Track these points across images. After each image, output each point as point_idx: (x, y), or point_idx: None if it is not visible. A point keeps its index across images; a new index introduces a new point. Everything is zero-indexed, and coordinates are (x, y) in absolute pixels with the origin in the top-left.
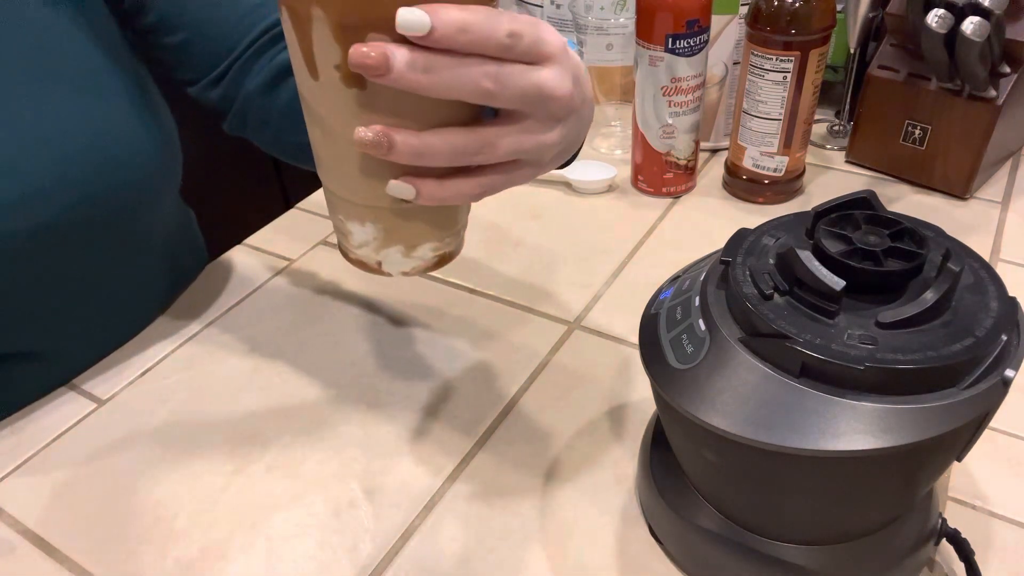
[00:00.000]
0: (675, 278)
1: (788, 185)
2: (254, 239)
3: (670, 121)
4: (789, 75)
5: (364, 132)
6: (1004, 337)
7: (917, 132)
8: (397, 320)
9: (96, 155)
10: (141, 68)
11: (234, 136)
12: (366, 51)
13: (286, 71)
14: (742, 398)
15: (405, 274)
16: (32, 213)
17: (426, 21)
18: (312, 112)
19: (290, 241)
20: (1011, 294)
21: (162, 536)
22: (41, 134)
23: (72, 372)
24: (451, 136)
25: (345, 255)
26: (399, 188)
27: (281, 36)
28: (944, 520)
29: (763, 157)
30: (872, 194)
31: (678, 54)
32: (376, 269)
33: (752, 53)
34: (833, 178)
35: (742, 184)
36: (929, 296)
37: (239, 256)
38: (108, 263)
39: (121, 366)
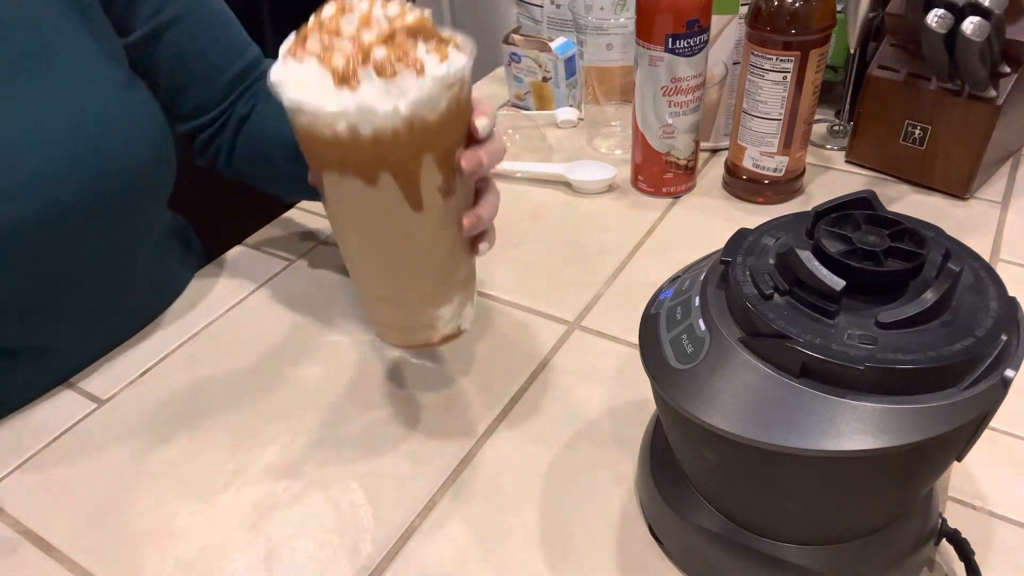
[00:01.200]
0: (675, 278)
1: (788, 185)
2: (254, 239)
3: (670, 121)
4: (789, 75)
5: (469, 219)
6: (1004, 337)
7: (917, 132)
8: None
9: (97, 142)
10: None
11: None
12: (472, 159)
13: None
14: (742, 398)
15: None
16: (36, 199)
17: (490, 123)
18: (397, 248)
19: (290, 241)
20: (1011, 294)
21: (162, 536)
22: (44, 122)
23: (69, 370)
24: (490, 201)
25: (427, 344)
26: (483, 248)
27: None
28: (944, 520)
29: (763, 157)
30: (872, 194)
31: (678, 54)
32: (457, 334)
33: (752, 53)
34: (833, 178)
35: (742, 184)
36: (929, 296)
37: (239, 256)
38: (108, 255)
39: (121, 366)
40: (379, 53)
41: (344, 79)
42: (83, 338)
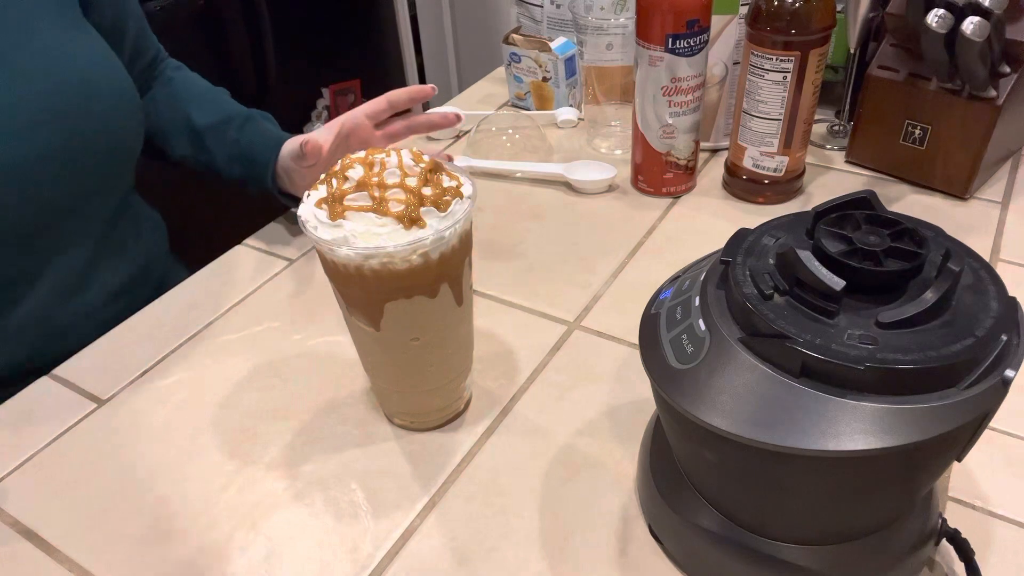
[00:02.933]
0: (675, 278)
1: (788, 185)
2: (254, 239)
3: (670, 121)
4: (789, 75)
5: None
6: (1004, 337)
7: (917, 132)
8: None
9: (82, 87)
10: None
11: None
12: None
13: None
14: (742, 398)
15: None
16: (23, 144)
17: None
18: (450, 340)
19: (290, 241)
20: (1011, 294)
21: (162, 536)
22: (30, 68)
23: (44, 307)
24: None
25: (459, 413)
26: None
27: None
28: (944, 520)
29: (763, 157)
30: (872, 194)
31: (678, 54)
32: (469, 397)
33: (752, 53)
34: (833, 178)
35: (742, 184)
36: (929, 296)
37: (239, 256)
38: (87, 214)
39: (121, 366)
40: (427, 191)
41: (413, 221)
42: (53, 300)
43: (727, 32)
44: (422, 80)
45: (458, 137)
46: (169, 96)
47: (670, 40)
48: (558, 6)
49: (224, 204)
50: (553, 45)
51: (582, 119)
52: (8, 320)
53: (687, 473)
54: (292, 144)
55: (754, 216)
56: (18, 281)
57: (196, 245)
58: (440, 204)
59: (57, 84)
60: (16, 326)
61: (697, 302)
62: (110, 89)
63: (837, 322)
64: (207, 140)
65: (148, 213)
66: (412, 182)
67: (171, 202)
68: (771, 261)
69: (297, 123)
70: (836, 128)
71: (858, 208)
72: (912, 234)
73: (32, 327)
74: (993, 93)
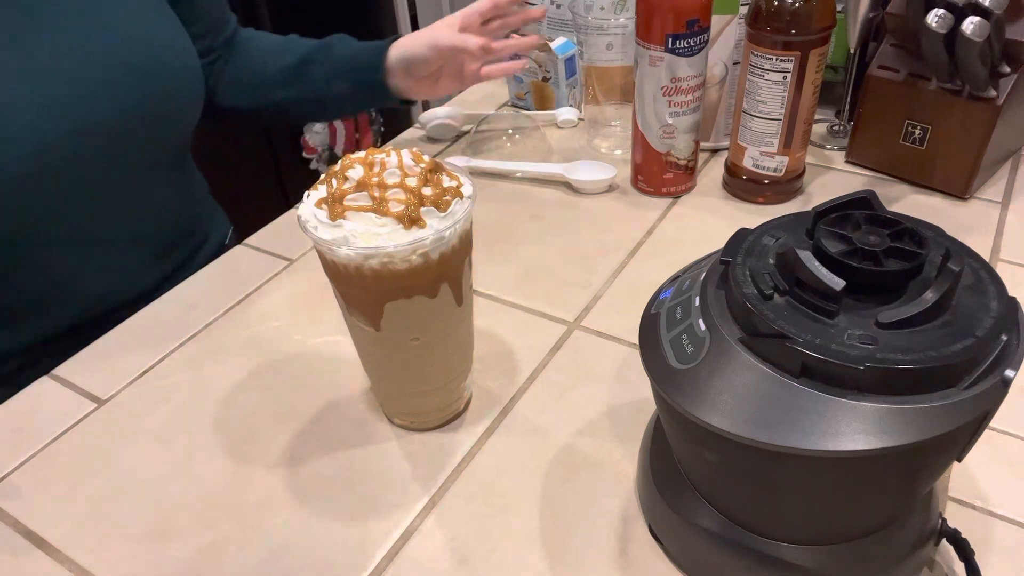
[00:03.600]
0: (675, 278)
1: (788, 185)
2: (254, 239)
3: (670, 121)
4: (789, 75)
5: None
6: (1004, 337)
7: (917, 132)
8: None
9: (144, 59)
10: None
11: (234, 139)
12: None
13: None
14: (742, 398)
15: None
16: (84, 112)
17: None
18: (450, 340)
19: (290, 241)
20: (1011, 294)
21: (162, 536)
22: (93, 40)
23: (77, 312)
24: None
25: (458, 414)
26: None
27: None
28: (944, 520)
29: (763, 157)
30: (872, 194)
31: (678, 54)
32: (469, 398)
33: (752, 53)
34: (833, 178)
35: (742, 184)
36: (929, 296)
37: (239, 256)
38: (128, 176)
39: (121, 366)
40: (427, 191)
41: (413, 221)
42: (96, 274)
43: (727, 32)
44: None
45: (458, 137)
46: (253, 51)
47: (670, 40)
48: (558, 6)
49: (224, 205)
50: (553, 45)
51: (582, 119)
52: (85, 271)
53: (687, 473)
54: (401, 47)
55: (754, 216)
56: (90, 234)
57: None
58: (440, 204)
59: (131, 48)
60: (94, 274)
61: (697, 302)
62: (177, 57)
63: (837, 322)
64: (306, 70)
65: (199, 176)
66: (412, 182)
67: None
68: (771, 261)
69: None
70: (836, 128)
71: (858, 208)
72: (912, 234)
73: (109, 274)
74: (993, 93)
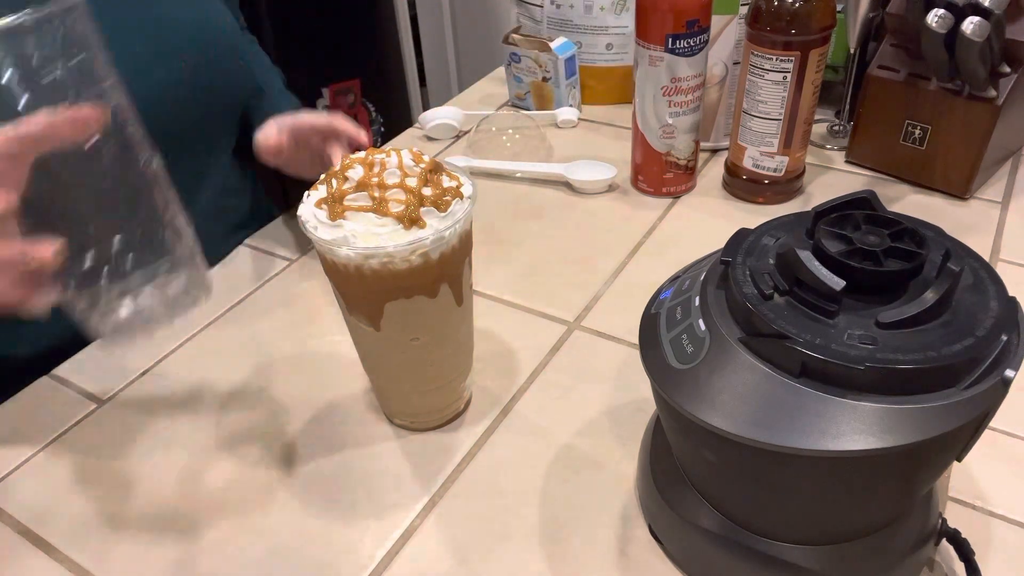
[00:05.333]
0: (675, 278)
1: (788, 185)
2: (254, 239)
3: (670, 121)
4: (789, 75)
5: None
6: (1004, 337)
7: (917, 132)
8: None
9: (210, 58)
10: None
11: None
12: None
13: None
14: (742, 398)
15: None
16: (161, 104)
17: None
18: (450, 340)
19: (290, 241)
20: (1011, 294)
21: (162, 536)
22: (166, 38)
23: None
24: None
25: (458, 413)
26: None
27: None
28: (944, 520)
29: (763, 157)
30: (872, 194)
31: (678, 54)
32: (469, 397)
33: (752, 53)
34: (833, 178)
35: (742, 184)
36: (929, 296)
37: (239, 256)
38: (201, 169)
39: (121, 366)
40: (427, 191)
41: (413, 221)
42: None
43: (727, 32)
44: (422, 80)
45: (458, 137)
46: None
47: (670, 40)
48: (558, 6)
49: None
50: (553, 45)
51: (582, 119)
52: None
53: (687, 473)
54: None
55: (754, 216)
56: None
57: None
58: (440, 204)
59: (186, 26)
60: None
61: (697, 302)
62: (228, 38)
63: (837, 322)
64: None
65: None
66: (412, 182)
67: None
68: (771, 261)
69: None
70: (836, 128)
71: (858, 208)
72: (912, 234)
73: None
74: (993, 93)
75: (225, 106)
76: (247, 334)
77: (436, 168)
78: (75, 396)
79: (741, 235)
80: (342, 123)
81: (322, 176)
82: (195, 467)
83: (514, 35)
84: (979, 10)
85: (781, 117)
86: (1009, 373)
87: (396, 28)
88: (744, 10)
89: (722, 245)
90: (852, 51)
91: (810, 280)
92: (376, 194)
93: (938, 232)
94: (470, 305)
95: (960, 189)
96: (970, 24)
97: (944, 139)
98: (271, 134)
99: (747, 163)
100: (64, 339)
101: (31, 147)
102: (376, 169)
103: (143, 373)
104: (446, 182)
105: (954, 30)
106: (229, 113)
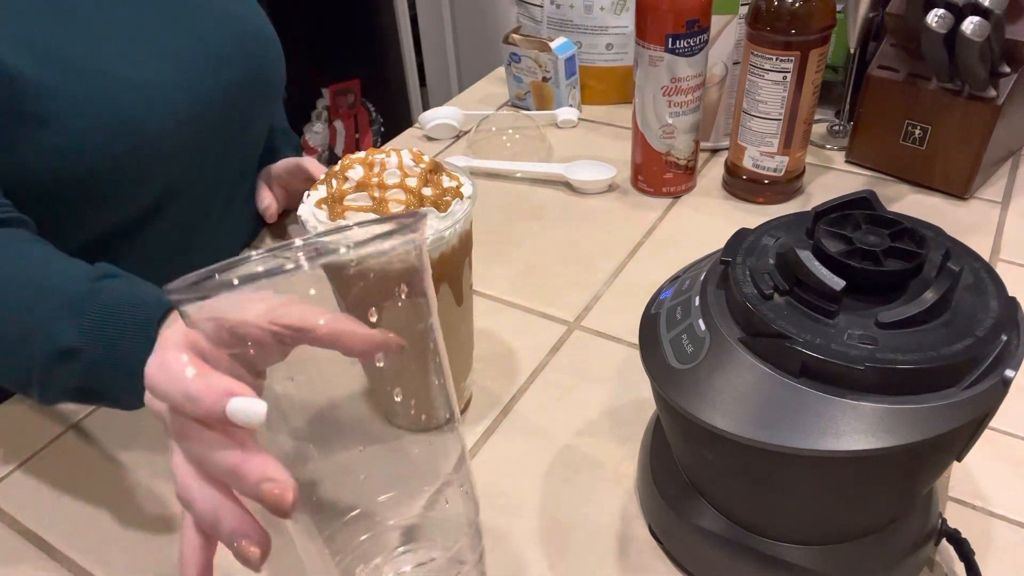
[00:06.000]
0: (675, 278)
1: (788, 185)
2: (255, 239)
3: (670, 121)
4: (789, 75)
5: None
6: (1004, 337)
7: (917, 132)
8: None
9: (242, 47)
10: None
11: None
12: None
13: None
14: (742, 398)
15: None
16: (190, 91)
17: None
18: (450, 342)
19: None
20: (1011, 294)
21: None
22: (198, 29)
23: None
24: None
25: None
26: None
27: None
28: (944, 520)
29: (763, 157)
30: (872, 194)
31: (678, 54)
32: (469, 398)
33: (752, 53)
34: (833, 178)
35: (742, 184)
36: (929, 296)
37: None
38: (235, 160)
39: None
40: (427, 191)
41: None
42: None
43: (727, 32)
44: (422, 80)
45: (458, 137)
46: None
47: (670, 40)
48: (558, 6)
49: None
50: (553, 45)
51: (582, 119)
52: (192, 247)
53: (687, 473)
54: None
55: (754, 216)
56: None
57: None
58: (440, 204)
59: (233, 31)
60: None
61: (697, 302)
62: (267, 37)
63: (837, 322)
64: None
65: None
66: (412, 182)
67: None
68: (771, 261)
69: (297, 123)
70: (836, 128)
71: (858, 208)
72: (912, 234)
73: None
74: (993, 93)
75: (267, 103)
76: None
77: (436, 168)
78: None
79: (741, 235)
80: (310, 164)
81: (322, 176)
82: None
83: (514, 35)
84: (979, 10)
85: (781, 117)
86: (1009, 373)
87: (396, 28)
88: (744, 10)
89: (722, 245)
90: (852, 51)
91: (810, 280)
92: (376, 194)
93: (938, 232)
94: (470, 305)
95: (960, 189)
96: (970, 24)
97: (944, 139)
98: (264, 197)
99: (747, 163)
100: None
101: (301, 339)
102: (376, 169)
103: None
104: (446, 182)
105: (954, 30)
106: (268, 113)
